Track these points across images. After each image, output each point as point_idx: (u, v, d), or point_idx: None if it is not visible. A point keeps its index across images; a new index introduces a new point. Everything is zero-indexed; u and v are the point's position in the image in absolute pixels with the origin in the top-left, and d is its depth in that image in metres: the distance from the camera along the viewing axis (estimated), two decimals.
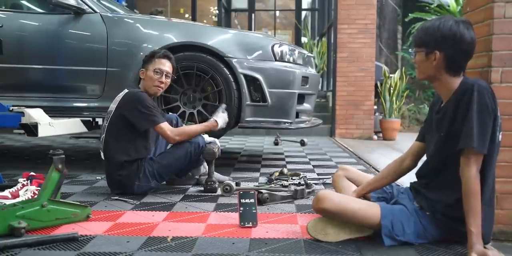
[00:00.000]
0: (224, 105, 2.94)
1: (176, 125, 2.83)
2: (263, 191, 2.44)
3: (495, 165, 1.75)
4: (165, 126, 2.54)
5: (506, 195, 2.05)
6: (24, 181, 2.38)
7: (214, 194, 2.67)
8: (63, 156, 2.01)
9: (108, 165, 2.58)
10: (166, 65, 2.64)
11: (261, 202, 2.38)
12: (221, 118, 2.78)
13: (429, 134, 1.89)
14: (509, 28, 2.02)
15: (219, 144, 2.77)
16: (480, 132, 1.62)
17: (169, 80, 2.68)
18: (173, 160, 2.60)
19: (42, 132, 2.91)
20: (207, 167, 2.85)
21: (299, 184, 2.67)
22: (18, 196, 2.28)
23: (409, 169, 2.00)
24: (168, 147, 2.80)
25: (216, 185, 2.70)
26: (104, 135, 2.60)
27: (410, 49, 1.82)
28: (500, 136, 1.73)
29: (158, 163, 2.58)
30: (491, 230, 1.78)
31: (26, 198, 2.22)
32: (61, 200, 2.06)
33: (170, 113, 2.95)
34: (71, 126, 3.25)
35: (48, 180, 1.98)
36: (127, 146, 2.54)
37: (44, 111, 3.06)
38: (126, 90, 2.62)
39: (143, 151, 2.59)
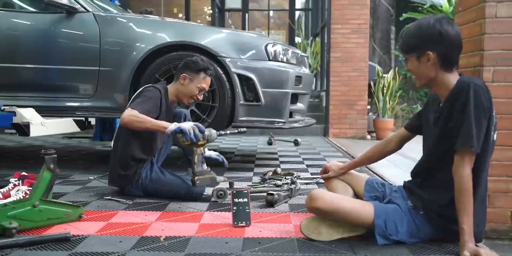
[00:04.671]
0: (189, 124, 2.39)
1: (185, 120, 2.81)
2: (274, 192, 2.40)
3: (488, 164, 1.76)
4: (131, 110, 2.35)
5: (497, 193, 2.06)
6: (16, 181, 2.36)
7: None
8: (55, 155, 1.99)
9: (113, 161, 2.57)
10: (208, 84, 2.68)
11: (272, 204, 2.36)
12: (177, 125, 2.33)
13: (426, 133, 1.89)
14: (501, 27, 2.04)
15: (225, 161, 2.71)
16: (475, 131, 1.63)
17: (202, 97, 2.70)
18: (163, 189, 2.52)
19: (34, 132, 2.88)
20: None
21: (291, 183, 2.67)
22: (9, 196, 2.27)
23: (392, 152, 2.11)
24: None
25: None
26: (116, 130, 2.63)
27: (400, 58, 1.82)
28: (495, 136, 1.73)
29: (151, 182, 2.53)
30: (483, 229, 1.78)
31: (18, 198, 2.21)
32: (53, 200, 2.05)
33: (181, 108, 2.92)
34: (63, 126, 3.23)
35: (39, 180, 1.96)
36: (134, 143, 2.51)
37: (36, 110, 3.04)
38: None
39: (149, 151, 2.56)
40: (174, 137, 2.47)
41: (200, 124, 2.34)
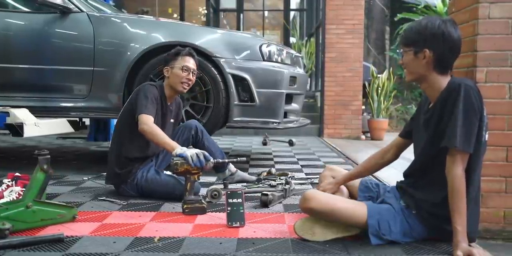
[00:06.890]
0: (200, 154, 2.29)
1: (196, 133, 2.78)
2: (268, 193, 2.40)
3: (481, 164, 1.76)
4: (144, 117, 2.41)
5: (491, 193, 2.07)
6: (9, 181, 2.35)
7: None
8: (49, 156, 1.98)
9: (110, 159, 2.60)
10: (191, 63, 2.65)
11: (266, 204, 2.36)
12: (183, 150, 2.29)
13: (417, 134, 1.90)
14: (494, 28, 2.05)
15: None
16: (464, 131, 1.64)
17: (195, 78, 2.68)
18: (158, 190, 2.52)
19: (28, 132, 2.87)
20: (233, 170, 2.92)
21: (286, 183, 2.68)
22: (2, 197, 2.26)
23: (390, 162, 2.06)
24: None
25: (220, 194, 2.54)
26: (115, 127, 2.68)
27: (398, 50, 1.82)
28: (487, 136, 1.74)
29: (146, 182, 2.53)
30: (476, 228, 1.79)
31: (11, 199, 2.20)
32: (46, 200, 2.04)
33: (191, 120, 2.91)
34: (57, 126, 3.22)
35: (33, 180, 1.96)
36: (129, 143, 2.55)
37: (30, 111, 3.03)
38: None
39: (144, 151, 2.59)
40: (170, 163, 2.40)
41: (206, 153, 2.29)
